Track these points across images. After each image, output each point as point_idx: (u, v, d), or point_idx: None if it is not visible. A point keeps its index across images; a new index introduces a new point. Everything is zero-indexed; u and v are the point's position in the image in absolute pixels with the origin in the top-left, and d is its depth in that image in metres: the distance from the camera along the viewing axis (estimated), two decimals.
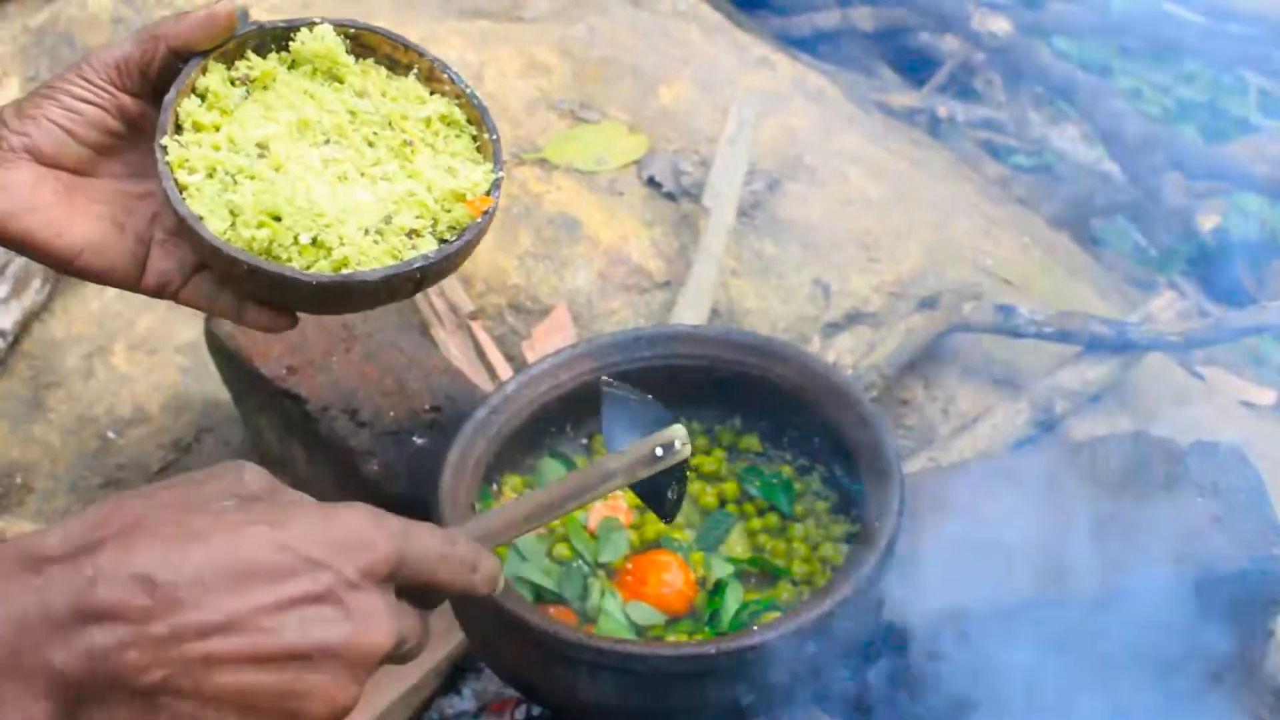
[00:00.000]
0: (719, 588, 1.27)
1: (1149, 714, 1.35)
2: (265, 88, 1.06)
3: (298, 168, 1.02)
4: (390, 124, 1.08)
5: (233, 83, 1.05)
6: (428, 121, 1.09)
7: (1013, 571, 1.35)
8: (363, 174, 1.05)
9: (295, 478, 1.72)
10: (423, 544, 0.82)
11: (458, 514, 1.23)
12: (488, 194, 1.06)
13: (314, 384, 1.52)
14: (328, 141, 1.05)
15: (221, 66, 1.05)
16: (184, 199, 0.98)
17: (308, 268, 0.99)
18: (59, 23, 2.36)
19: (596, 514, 1.33)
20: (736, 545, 1.34)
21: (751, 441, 1.42)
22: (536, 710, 1.39)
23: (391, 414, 1.48)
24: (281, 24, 1.06)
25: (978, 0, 2.71)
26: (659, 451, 1.08)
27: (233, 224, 0.99)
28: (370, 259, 1.00)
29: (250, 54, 1.06)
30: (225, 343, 1.60)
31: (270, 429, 1.67)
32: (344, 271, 0.99)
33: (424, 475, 1.37)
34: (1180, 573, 1.34)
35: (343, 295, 1.00)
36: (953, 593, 1.34)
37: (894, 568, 1.29)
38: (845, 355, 1.91)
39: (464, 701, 1.50)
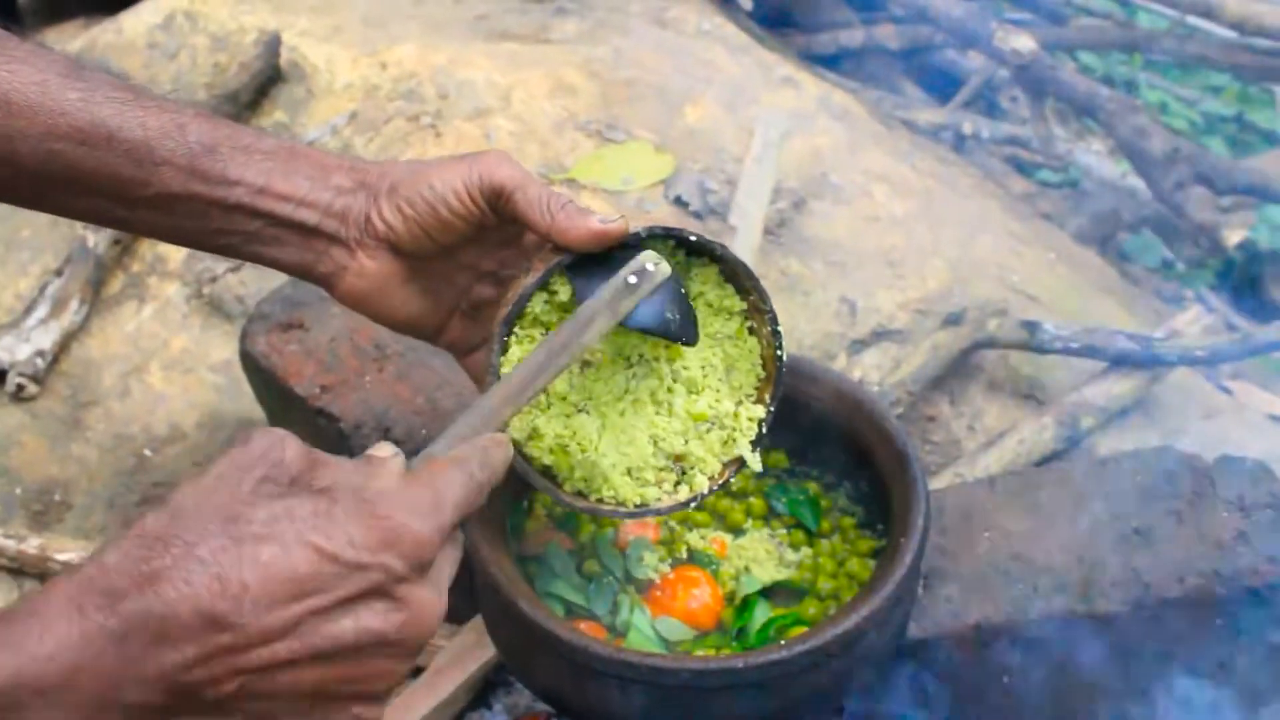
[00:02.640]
0: (747, 603, 1.29)
1: None
2: None
3: (603, 391, 1.15)
4: (703, 365, 1.18)
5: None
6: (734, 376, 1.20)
7: (1038, 587, 1.35)
8: (654, 400, 1.17)
9: None
10: (454, 499, 0.87)
11: (488, 531, 1.25)
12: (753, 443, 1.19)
13: (347, 403, 1.54)
14: (642, 358, 1.16)
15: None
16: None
17: (571, 492, 1.16)
18: (96, 48, 2.41)
19: (627, 531, 1.35)
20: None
21: (778, 458, 1.43)
22: None
23: (424, 433, 1.50)
24: (672, 232, 1.11)
25: (1001, 17, 2.72)
26: (632, 279, 1.06)
27: (530, 436, 1.13)
28: (625, 495, 1.16)
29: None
30: (260, 362, 1.62)
31: None
32: (596, 504, 1.16)
33: None
34: (1206, 588, 1.35)
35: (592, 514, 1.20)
36: (978, 608, 1.35)
37: (919, 583, 1.31)
38: (871, 372, 1.92)
39: (495, 716, 1.52)
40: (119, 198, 1.09)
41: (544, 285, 1.11)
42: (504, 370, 1.10)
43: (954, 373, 1.94)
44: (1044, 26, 3.01)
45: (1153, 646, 1.36)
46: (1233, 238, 2.36)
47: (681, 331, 1.11)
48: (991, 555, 1.38)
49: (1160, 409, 1.94)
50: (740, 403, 1.19)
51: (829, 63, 2.95)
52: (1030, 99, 2.76)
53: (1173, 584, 1.35)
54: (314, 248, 1.13)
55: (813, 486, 1.40)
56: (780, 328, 1.16)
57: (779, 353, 1.17)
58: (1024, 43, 2.59)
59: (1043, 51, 2.62)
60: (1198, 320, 2.03)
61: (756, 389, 1.19)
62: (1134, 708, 1.39)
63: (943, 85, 3.08)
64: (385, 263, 1.14)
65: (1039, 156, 2.89)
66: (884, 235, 2.13)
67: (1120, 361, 1.91)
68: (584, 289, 1.09)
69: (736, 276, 1.16)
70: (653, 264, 1.07)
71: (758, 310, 1.17)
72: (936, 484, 1.69)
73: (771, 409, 1.19)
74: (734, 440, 1.19)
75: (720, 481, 1.19)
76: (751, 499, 1.40)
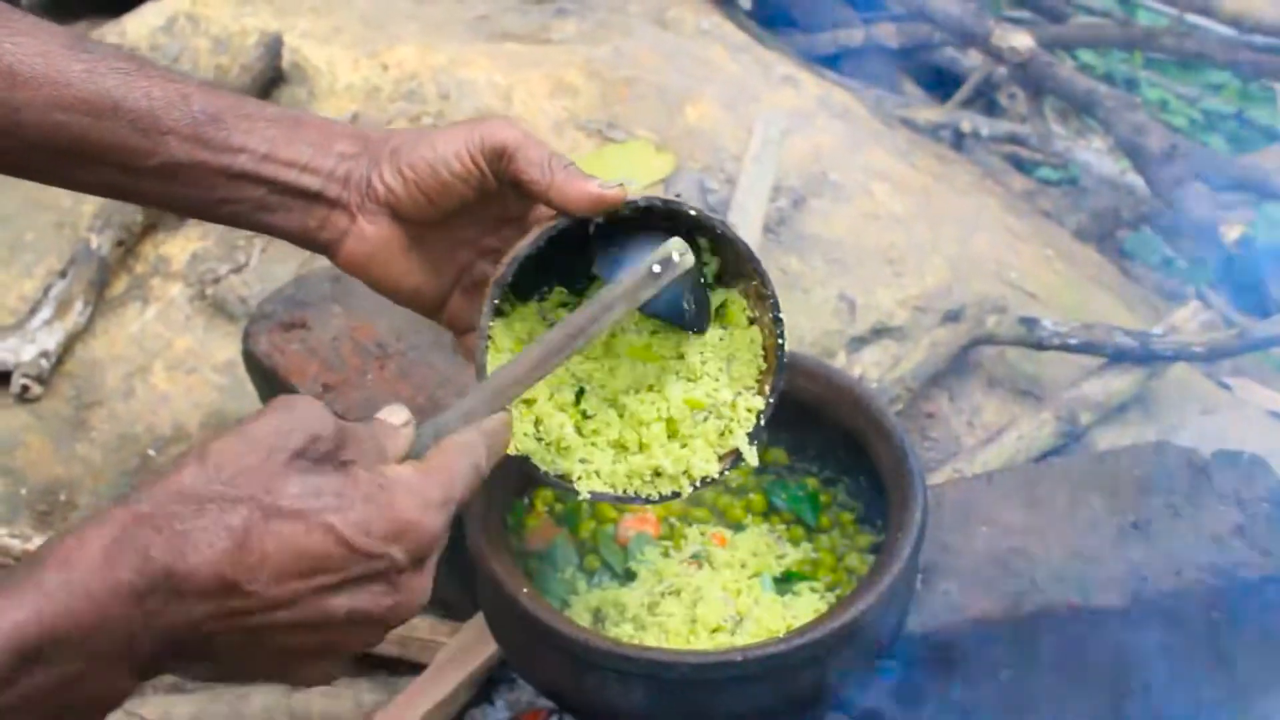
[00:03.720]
0: None
1: None
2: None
3: (613, 382, 1.15)
4: (702, 352, 1.16)
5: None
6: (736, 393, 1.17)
7: (1036, 581, 1.36)
8: (652, 389, 1.16)
9: None
10: (462, 484, 0.92)
11: (488, 528, 1.26)
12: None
13: (349, 401, 1.55)
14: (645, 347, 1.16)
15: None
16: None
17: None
18: None
19: (627, 528, 1.36)
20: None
21: (778, 454, 1.44)
22: (568, 719, 1.42)
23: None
24: (671, 205, 1.08)
25: (999, 15, 2.72)
26: (656, 269, 1.05)
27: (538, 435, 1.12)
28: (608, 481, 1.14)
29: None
30: (263, 361, 1.63)
31: None
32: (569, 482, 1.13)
33: None
34: (1203, 581, 1.35)
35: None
36: (977, 602, 1.36)
37: (917, 578, 1.31)
38: (871, 369, 1.93)
39: (497, 712, 1.53)
40: (125, 167, 1.09)
41: (543, 249, 1.09)
42: (491, 334, 1.10)
43: (953, 369, 1.95)
44: (1043, 24, 3.02)
45: (1149, 640, 1.37)
46: (1231, 234, 2.36)
47: (695, 321, 1.11)
48: (990, 550, 1.39)
49: (1158, 404, 1.95)
50: (739, 394, 1.15)
51: (828, 61, 2.96)
52: (1029, 97, 2.77)
53: (1169, 577, 1.36)
54: (315, 214, 1.13)
55: (812, 482, 1.41)
56: (782, 314, 1.12)
57: (780, 340, 1.13)
58: (1022, 41, 2.60)
59: (1041, 49, 2.63)
60: (1196, 316, 2.03)
61: (757, 380, 1.15)
62: (1131, 701, 1.40)
63: (942, 83, 3.09)
64: (385, 227, 1.13)
65: (1038, 154, 2.90)
66: (883, 233, 2.14)
67: (1118, 357, 1.92)
68: (606, 267, 1.09)
69: (739, 260, 1.12)
70: (678, 254, 1.06)
71: (759, 296, 1.13)
72: (936, 480, 1.70)
73: (771, 400, 1.15)
74: (731, 431, 1.15)
75: (715, 475, 1.15)
76: (751, 495, 1.40)
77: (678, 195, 1.14)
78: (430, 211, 1.12)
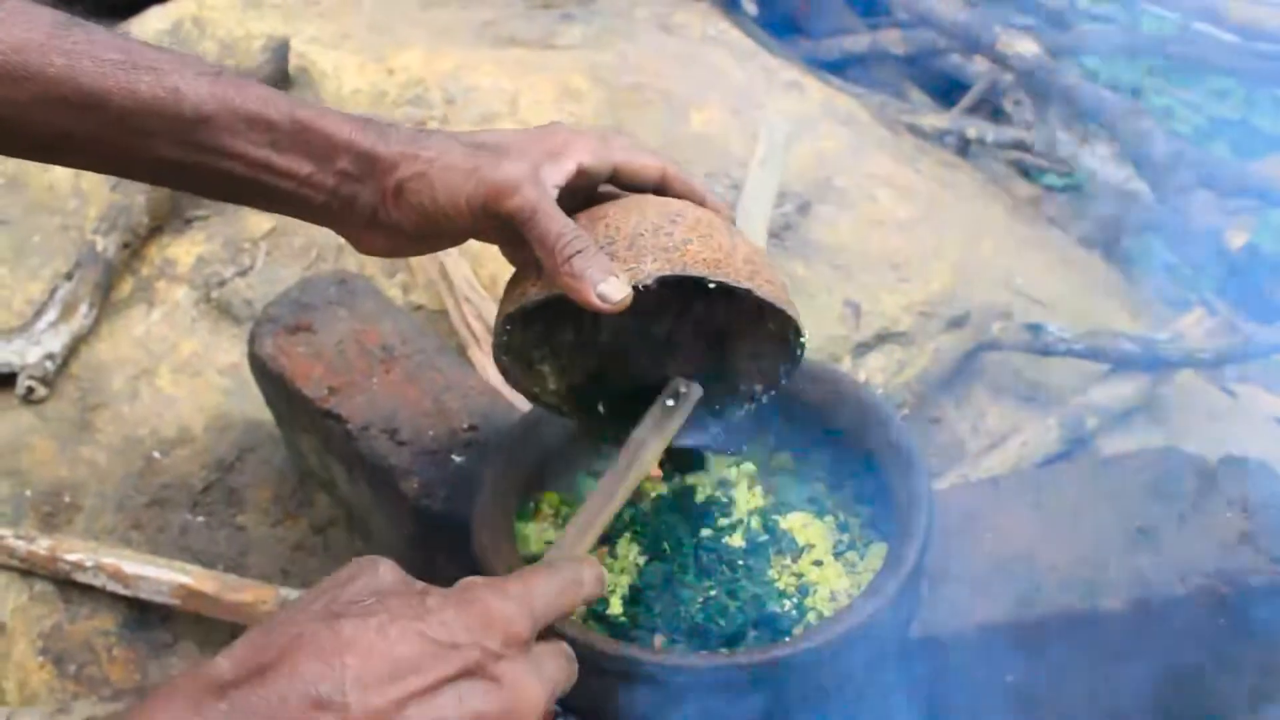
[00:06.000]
0: None
1: None
2: None
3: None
4: None
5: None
6: None
7: (1042, 587, 1.36)
8: None
9: (336, 497, 1.76)
10: (543, 592, 0.89)
11: (496, 531, 1.26)
12: None
13: (354, 404, 1.55)
14: None
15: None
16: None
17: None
18: None
19: None
20: None
21: (784, 459, 1.44)
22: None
23: (430, 433, 1.51)
24: (686, 278, 1.07)
25: (1005, 22, 2.73)
26: (670, 402, 1.13)
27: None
28: None
29: None
30: (268, 364, 1.63)
31: (311, 448, 1.71)
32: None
33: (463, 493, 1.40)
34: (1209, 587, 1.35)
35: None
36: (982, 608, 1.35)
37: (923, 583, 1.31)
38: (876, 374, 1.93)
39: None
40: (116, 160, 1.06)
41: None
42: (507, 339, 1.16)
43: (958, 375, 1.95)
44: (1048, 31, 3.02)
45: (1155, 646, 1.37)
46: (1236, 241, 2.36)
47: (729, 444, 1.21)
48: (995, 555, 1.39)
49: (1164, 411, 1.95)
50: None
51: (834, 68, 2.96)
52: (1034, 103, 2.77)
53: (1176, 584, 1.35)
54: (320, 215, 1.13)
55: (818, 487, 1.41)
56: (805, 337, 1.17)
57: (799, 350, 1.19)
58: (1027, 47, 2.60)
59: (1046, 56, 2.63)
60: (1201, 322, 2.03)
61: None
62: (1137, 708, 1.40)
63: (947, 90, 3.09)
64: (396, 237, 1.13)
65: (1043, 160, 2.90)
66: (888, 239, 2.14)
67: (1124, 364, 1.92)
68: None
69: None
70: (684, 386, 1.17)
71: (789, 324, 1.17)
72: (941, 485, 1.69)
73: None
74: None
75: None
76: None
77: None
78: (427, 234, 1.13)
